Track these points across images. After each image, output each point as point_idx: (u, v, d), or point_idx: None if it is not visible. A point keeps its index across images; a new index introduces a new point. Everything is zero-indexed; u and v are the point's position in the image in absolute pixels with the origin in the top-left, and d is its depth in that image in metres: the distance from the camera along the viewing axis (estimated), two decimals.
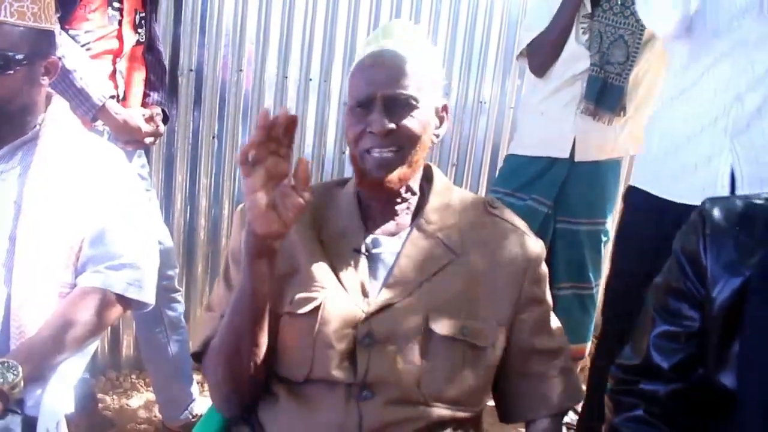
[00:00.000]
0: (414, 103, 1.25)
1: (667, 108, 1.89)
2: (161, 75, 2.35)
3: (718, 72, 1.73)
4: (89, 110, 2.04)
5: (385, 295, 1.24)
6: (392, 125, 1.23)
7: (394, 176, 1.25)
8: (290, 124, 1.04)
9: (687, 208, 1.79)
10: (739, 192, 1.73)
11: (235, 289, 1.19)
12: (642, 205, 1.96)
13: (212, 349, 1.25)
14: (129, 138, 2.16)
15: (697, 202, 1.76)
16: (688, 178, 1.80)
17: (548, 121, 2.54)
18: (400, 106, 1.24)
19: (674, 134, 1.83)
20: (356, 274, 1.26)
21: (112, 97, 2.10)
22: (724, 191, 1.74)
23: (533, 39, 2.48)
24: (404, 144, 1.25)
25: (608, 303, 2.21)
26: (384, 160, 1.24)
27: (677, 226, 1.80)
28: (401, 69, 1.24)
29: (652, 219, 1.90)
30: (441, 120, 1.33)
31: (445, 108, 1.33)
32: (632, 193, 2.01)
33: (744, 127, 1.72)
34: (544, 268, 1.34)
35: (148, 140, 2.21)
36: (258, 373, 1.23)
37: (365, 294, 1.24)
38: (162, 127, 2.27)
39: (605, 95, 2.47)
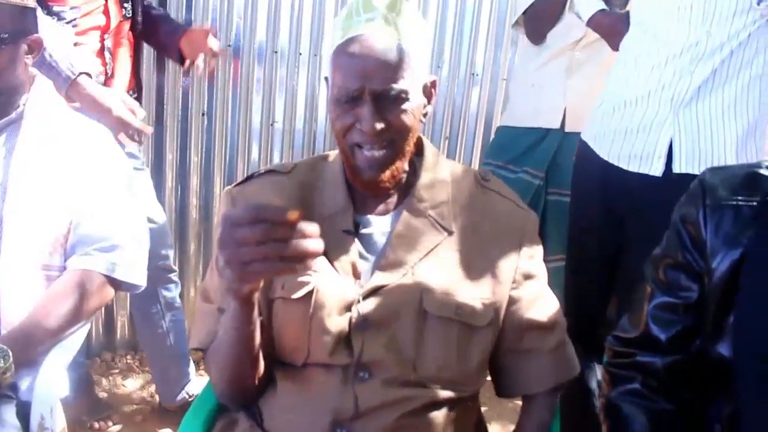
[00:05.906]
0: (404, 96, 1.17)
1: (622, 65, 1.86)
2: None
3: (674, 38, 1.70)
4: (61, 87, 1.91)
5: (379, 277, 1.21)
6: (382, 124, 1.16)
7: (387, 174, 1.21)
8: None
9: (624, 172, 1.78)
10: (675, 165, 1.71)
11: (224, 316, 1.14)
12: (587, 160, 1.93)
13: (214, 353, 1.22)
14: (97, 118, 1.89)
15: (633, 168, 1.77)
16: (628, 142, 1.78)
17: (539, 92, 2.51)
18: (390, 101, 1.16)
19: (624, 93, 1.80)
20: (347, 255, 1.23)
21: (102, 74, 2.04)
22: (660, 162, 1.72)
23: (532, 3, 2.44)
24: (395, 139, 1.20)
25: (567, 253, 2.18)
26: (376, 160, 1.20)
27: (616, 187, 1.79)
28: (391, 58, 1.14)
29: (596, 177, 1.89)
30: (429, 97, 1.26)
31: (433, 84, 1.27)
32: (581, 145, 1.98)
33: (689, 99, 1.70)
34: (538, 242, 1.32)
35: (119, 129, 1.97)
36: (261, 372, 1.22)
37: (357, 276, 1.22)
38: (144, 128, 2.03)
39: None
